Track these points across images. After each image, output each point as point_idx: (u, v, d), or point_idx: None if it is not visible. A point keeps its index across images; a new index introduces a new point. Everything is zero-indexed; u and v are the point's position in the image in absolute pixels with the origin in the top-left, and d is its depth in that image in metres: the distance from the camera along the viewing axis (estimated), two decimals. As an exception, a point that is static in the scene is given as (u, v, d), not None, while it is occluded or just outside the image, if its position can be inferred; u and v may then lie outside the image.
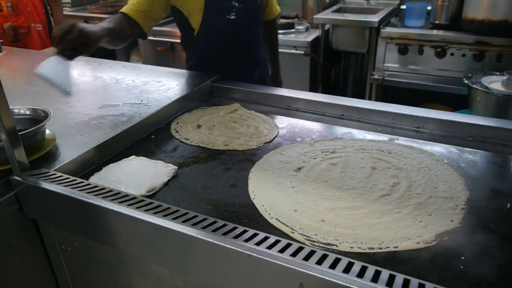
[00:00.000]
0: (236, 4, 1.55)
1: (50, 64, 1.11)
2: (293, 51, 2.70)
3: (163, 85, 1.50)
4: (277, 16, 1.90)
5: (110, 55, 3.40)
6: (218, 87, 1.55)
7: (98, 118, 1.25)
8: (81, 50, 1.15)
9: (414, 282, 0.61)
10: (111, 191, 0.86)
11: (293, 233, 0.82)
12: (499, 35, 2.26)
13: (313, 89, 2.82)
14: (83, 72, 1.71)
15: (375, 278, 0.62)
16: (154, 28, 3.07)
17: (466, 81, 2.05)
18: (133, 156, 1.09)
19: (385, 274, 0.63)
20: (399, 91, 2.83)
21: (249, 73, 1.73)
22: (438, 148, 1.13)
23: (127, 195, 0.84)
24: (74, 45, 1.12)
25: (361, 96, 2.84)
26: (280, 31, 2.82)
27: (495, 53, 2.30)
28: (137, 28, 1.49)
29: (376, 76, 2.64)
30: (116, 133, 1.14)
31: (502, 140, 1.16)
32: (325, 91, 2.90)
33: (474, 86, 2.00)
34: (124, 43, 1.49)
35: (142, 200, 0.83)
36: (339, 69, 3.47)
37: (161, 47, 3.05)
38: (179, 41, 2.97)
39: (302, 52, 2.68)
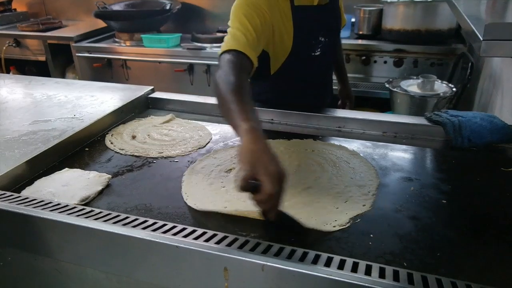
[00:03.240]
0: (322, 39, 1.44)
1: None
2: (230, 63, 2.78)
3: (97, 99, 1.52)
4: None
5: (43, 73, 3.31)
6: (153, 99, 1.59)
7: (29, 134, 1.24)
8: None
9: (324, 256, 0.70)
10: (42, 201, 0.88)
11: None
12: (414, 43, 2.50)
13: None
14: (12, 89, 1.67)
15: (290, 256, 0.69)
16: (90, 44, 3.08)
17: (387, 85, 2.24)
18: (66, 169, 1.10)
19: (299, 252, 0.71)
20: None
21: (323, 101, 1.65)
22: (356, 144, 1.25)
23: (58, 204, 0.86)
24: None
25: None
26: (217, 44, 2.91)
27: (412, 59, 2.53)
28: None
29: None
30: (47, 147, 1.14)
31: (410, 134, 1.31)
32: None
33: (395, 89, 2.19)
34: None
35: (74, 207, 0.85)
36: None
37: (97, 63, 3.02)
38: (116, 56, 3.01)
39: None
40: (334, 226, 0.87)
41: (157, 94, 1.60)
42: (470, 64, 2.07)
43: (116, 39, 3.16)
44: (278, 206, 0.76)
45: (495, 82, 1.99)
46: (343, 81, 1.96)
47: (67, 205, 0.86)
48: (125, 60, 2.98)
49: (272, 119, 1.45)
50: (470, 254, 0.80)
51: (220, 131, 1.36)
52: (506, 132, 1.22)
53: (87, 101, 1.51)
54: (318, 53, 1.46)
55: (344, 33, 2.79)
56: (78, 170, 1.10)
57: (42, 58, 3.31)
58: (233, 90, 0.96)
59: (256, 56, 1.22)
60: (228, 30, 1.26)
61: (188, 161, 1.17)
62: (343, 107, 1.99)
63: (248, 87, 1.03)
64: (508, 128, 1.22)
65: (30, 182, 1.05)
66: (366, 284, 0.62)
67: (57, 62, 3.33)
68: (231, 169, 1.11)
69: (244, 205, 0.95)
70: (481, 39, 0.97)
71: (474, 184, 1.04)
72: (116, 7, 3.33)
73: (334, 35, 1.55)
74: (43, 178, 1.06)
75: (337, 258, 0.69)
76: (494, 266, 0.76)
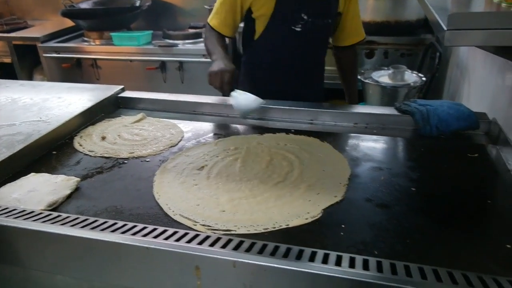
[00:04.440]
0: (305, 17, 1.52)
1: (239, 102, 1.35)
2: (203, 59, 2.76)
3: (64, 100, 1.47)
4: (360, 42, 1.77)
5: (9, 76, 3.20)
6: (123, 98, 1.56)
7: (-8, 139, 1.20)
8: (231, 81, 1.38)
9: (295, 249, 0.70)
10: (6, 208, 0.85)
11: (195, 225, 0.87)
12: (384, 34, 2.53)
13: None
14: (-26, 94, 1.61)
15: (262, 251, 0.69)
16: (57, 44, 3.00)
17: (359, 77, 2.26)
18: (32, 174, 1.07)
19: (270, 246, 0.71)
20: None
21: (298, 91, 1.68)
22: (328, 137, 1.26)
23: (24, 210, 0.84)
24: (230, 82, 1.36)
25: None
26: (189, 41, 2.88)
27: (382, 50, 2.56)
28: (227, 37, 1.65)
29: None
30: (12, 152, 1.10)
31: (381, 124, 1.33)
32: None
33: (366, 81, 2.21)
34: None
35: (40, 213, 0.83)
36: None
37: (66, 64, 2.94)
38: (85, 56, 2.94)
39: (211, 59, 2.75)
40: (306, 219, 0.88)
41: (127, 94, 1.57)
42: (438, 54, 2.11)
43: (85, 38, 3.08)
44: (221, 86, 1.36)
45: (462, 71, 2.04)
46: (350, 95, 1.91)
47: (32, 211, 0.84)
48: (95, 59, 2.91)
49: (244, 115, 1.44)
50: (438, 239, 0.81)
51: (192, 129, 1.35)
52: (472, 119, 1.25)
53: (54, 103, 1.46)
54: (299, 29, 1.53)
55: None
56: (45, 174, 1.07)
57: (8, 60, 3.20)
58: (213, 46, 1.56)
59: (231, 29, 1.61)
60: None
61: (160, 160, 1.16)
62: None
63: (222, 46, 1.56)
64: (474, 115, 1.26)
65: (-5, 189, 1.01)
66: (336, 275, 0.63)
67: (24, 63, 3.22)
68: (203, 167, 1.11)
69: (216, 202, 0.95)
70: (445, 29, 0.99)
71: (442, 171, 1.07)
72: (84, 5, 3.24)
73: (322, 19, 1.57)
74: (8, 184, 1.02)
75: (308, 251, 0.69)
76: (461, 250, 0.78)
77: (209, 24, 1.63)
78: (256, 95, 1.36)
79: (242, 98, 1.34)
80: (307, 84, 1.71)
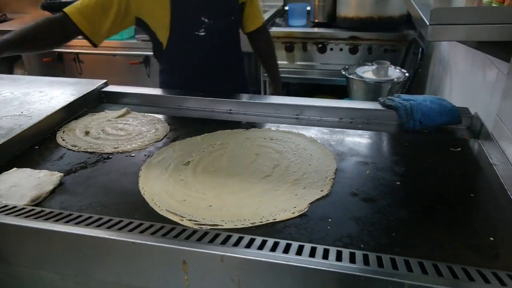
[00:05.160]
0: (206, 20, 1.46)
1: None
2: (187, 54, 2.74)
3: (46, 94, 1.45)
4: (262, 26, 1.74)
5: (-12, 69, 3.11)
6: (107, 93, 1.53)
7: (-29, 134, 1.17)
8: None
9: (282, 243, 0.70)
10: (-13, 204, 0.83)
11: (182, 220, 0.87)
12: (368, 30, 2.55)
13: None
14: (-49, 88, 1.57)
15: (249, 244, 0.69)
16: (37, 38, 2.92)
17: (343, 72, 2.29)
18: (15, 169, 1.05)
19: (258, 240, 0.71)
20: (292, 86, 3.03)
21: (220, 87, 1.60)
22: (313, 131, 1.27)
23: (6, 206, 0.82)
24: None
25: (258, 93, 2.97)
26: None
27: (366, 46, 2.58)
28: (77, 32, 1.43)
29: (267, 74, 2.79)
30: (-7, 147, 1.08)
31: (365, 119, 1.34)
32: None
33: (351, 76, 2.24)
34: (51, 46, 1.47)
35: (23, 208, 0.81)
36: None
37: (47, 58, 2.88)
38: (67, 50, 2.88)
39: None
40: (293, 213, 0.88)
41: (111, 88, 1.55)
42: (420, 49, 2.14)
43: (66, 32, 3.01)
44: None
45: (444, 66, 2.08)
46: (271, 77, 1.92)
47: (15, 207, 0.82)
48: (77, 53, 2.86)
49: (230, 110, 1.44)
50: (423, 232, 0.83)
51: (177, 123, 1.34)
52: (454, 113, 1.27)
53: (35, 97, 1.43)
54: (202, 33, 1.48)
55: (300, 21, 2.81)
56: (28, 169, 1.05)
57: (-14, 54, 3.11)
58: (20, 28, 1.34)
59: (92, 27, 1.44)
60: None
61: (145, 155, 1.15)
62: None
63: (24, 34, 1.35)
64: (456, 110, 1.28)
65: (-25, 185, 0.99)
66: (323, 268, 0.63)
67: (3, 58, 3.10)
68: (189, 162, 1.10)
69: (203, 197, 0.95)
70: (428, 24, 1.00)
71: (426, 165, 1.08)
72: (65, -2, 3.17)
73: (224, 18, 1.53)
74: (-11, 180, 1.00)
75: (295, 244, 0.70)
76: (445, 243, 0.80)
77: (63, 12, 1.41)
78: None
79: None
80: (228, 79, 1.69)
